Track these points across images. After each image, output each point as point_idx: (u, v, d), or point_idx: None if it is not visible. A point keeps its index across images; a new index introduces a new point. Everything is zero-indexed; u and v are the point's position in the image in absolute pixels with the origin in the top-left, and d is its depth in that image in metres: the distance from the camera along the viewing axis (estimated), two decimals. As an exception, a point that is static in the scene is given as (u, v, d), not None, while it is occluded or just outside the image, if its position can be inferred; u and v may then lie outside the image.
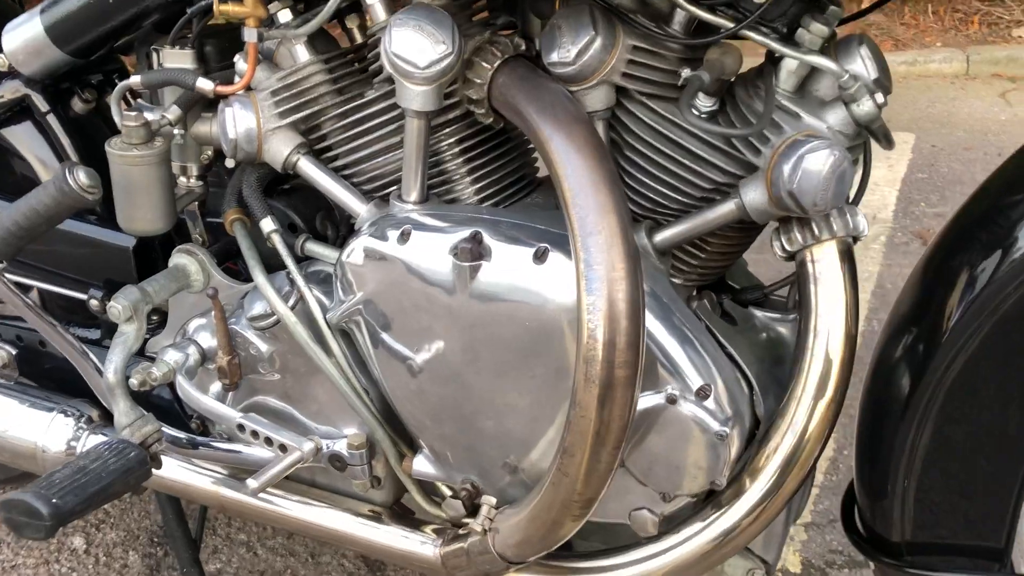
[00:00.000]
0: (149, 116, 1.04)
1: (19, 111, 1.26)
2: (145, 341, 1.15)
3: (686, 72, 0.90)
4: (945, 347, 0.92)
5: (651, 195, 0.95)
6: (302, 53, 1.01)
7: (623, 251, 0.81)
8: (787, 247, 0.92)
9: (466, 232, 0.92)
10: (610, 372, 0.82)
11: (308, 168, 1.03)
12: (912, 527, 1.00)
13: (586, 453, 0.84)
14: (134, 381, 1.08)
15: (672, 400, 0.90)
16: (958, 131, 3.36)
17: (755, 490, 0.93)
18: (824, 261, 0.91)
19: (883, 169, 2.92)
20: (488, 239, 0.92)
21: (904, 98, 3.59)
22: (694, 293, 1.01)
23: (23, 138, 1.26)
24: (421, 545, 1.09)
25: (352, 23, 1.07)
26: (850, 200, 0.94)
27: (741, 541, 0.96)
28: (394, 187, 1.01)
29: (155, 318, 1.19)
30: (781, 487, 0.93)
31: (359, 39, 1.06)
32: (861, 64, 0.89)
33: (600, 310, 0.81)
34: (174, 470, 1.17)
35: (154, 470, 1.05)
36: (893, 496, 0.99)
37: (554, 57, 0.91)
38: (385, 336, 0.99)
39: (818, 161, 0.84)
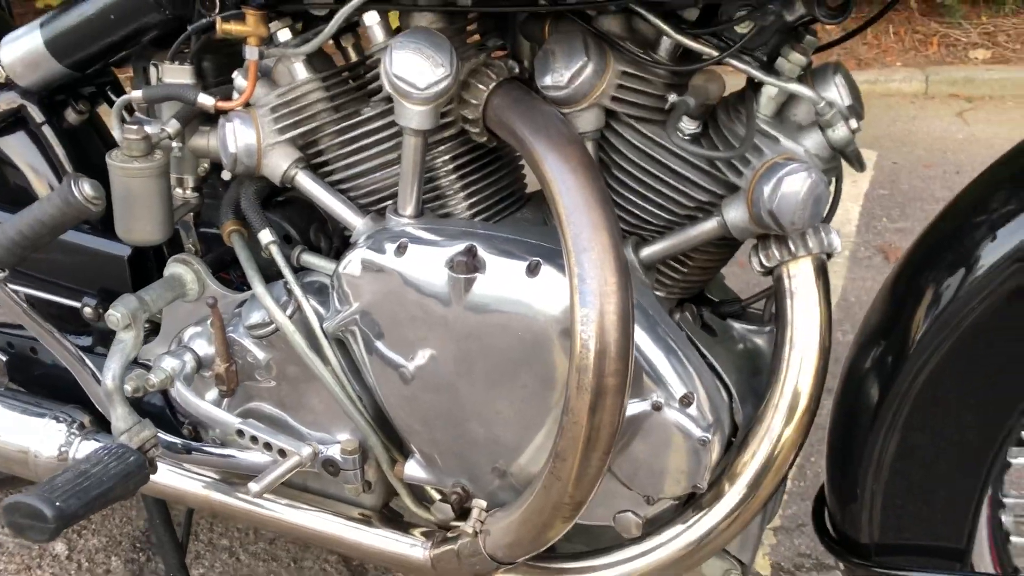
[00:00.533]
0: (149, 130, 1.07)
1: (13, 122, 1.28)
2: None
3: (672, 97, 0.95)
4: (912, 360, 0.98)
5: (638, 212, 1.00)
6: (301, 71, 1.04)
7: (615, 266, 0.86)
8: (765, 263, 0.97)
9: (461, 245, 0.96)
10: (601, 380, 0.86)
11: (306, 182, 1.06)
12: (880, 529, 1.05)
13: (577, 457, 0.88)
14: (128, 388, 1.10)
15: (657, 407, 0.94)
16: (918, 149, 3.46)
17: (733, 493, 0.98)
18: (800, 276, 0.96)
19: (846, 185, 2.95)
20: (483, 252, 0.96)
21: (866, 116, 3.67)
22: (676, 305, 1.06)
23: (18, 148, 1.28)
24: (410, 548, 1.13)
25: (347, 42, 1.11)
26: (826, 220, 0.99)
27: (720, 542, 1.01)
28: (389, 201, 1.05)
29: (147, 326, 1.21)
30: (758, 491, 0.98)
31: (354, 58, 1.10)
32: (836, 92, 0.95)
33: (593, 322, 0.85)
34: (169, 475, 1.19)
35: (151, 475, 1.08)
36: (862, 500, 1.04)
37: (548, 81, 0.95)
38: (380, 345, 1.02)
39: (796, 183, 0.89)
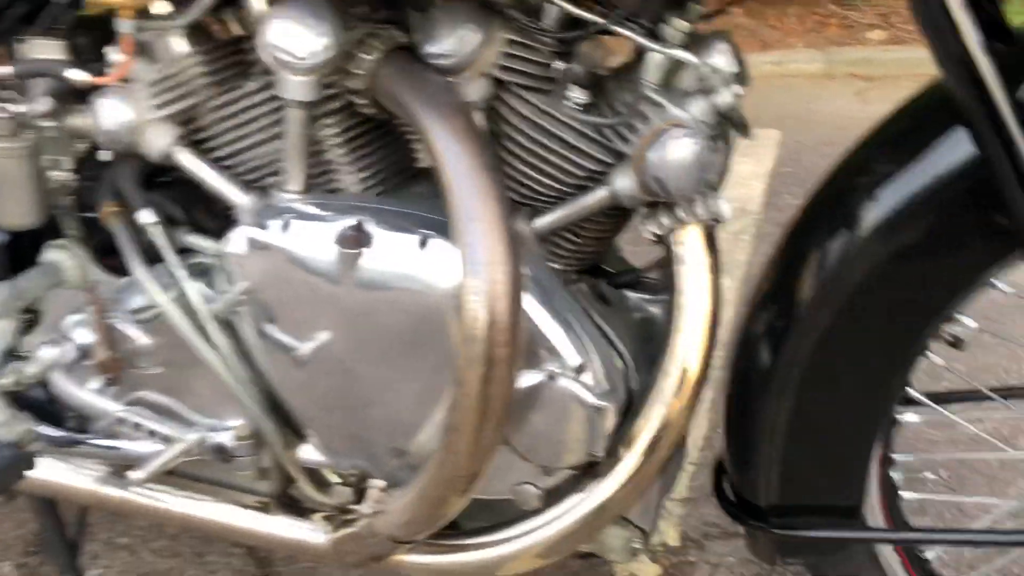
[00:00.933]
0: (17, 108, 1.02)
1: None
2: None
3: (559, 65, 0.95)
4: (801, 322, 1.00)
5: (529, 183, 0.99)
6: (179, 45, 1.00)
7: (502, 236, 0.85)
8: (655, 231, 0.97)
9: (349, 220, 0.94)
10: (491, 351, 0.85)
11: (187, 160, 1.02)
12: (777, 491, 1.07)
13: (470, 429, 0.87)
14: (6, 381, 1.05)
15: (552, 377, 0.94)
16: (820, 128, 3.54)
17: (630, 459, 0.98)
18: (688, 243, 0.97)
19: (751, 164, 3.06)
20: (371, 226, 0.94)
21: (770, 97, 3.75)
22: (572, 277, 1.05)
23: None
24: (311, 533, 1.10)
25: (228, 15, 1.07)
26: (715, 187, 1.00)
27: (619, 509, 1.02)
28: (274, 177, 1.02)
29: (28, 316, 1.16)
30: (653, 456, 0.99)
31: (235, 31, 1.06)
32: (719, 58, 0.95)
33: (482, 292, 0.84)
34: (53, 470, 1.14)
35: (32, 472, 1.03)
36: (758, 464, 1.06)
37: (432, 49, 0.94)
38: (269, 326, 1.00)
39: (682, 148, 0.89)
